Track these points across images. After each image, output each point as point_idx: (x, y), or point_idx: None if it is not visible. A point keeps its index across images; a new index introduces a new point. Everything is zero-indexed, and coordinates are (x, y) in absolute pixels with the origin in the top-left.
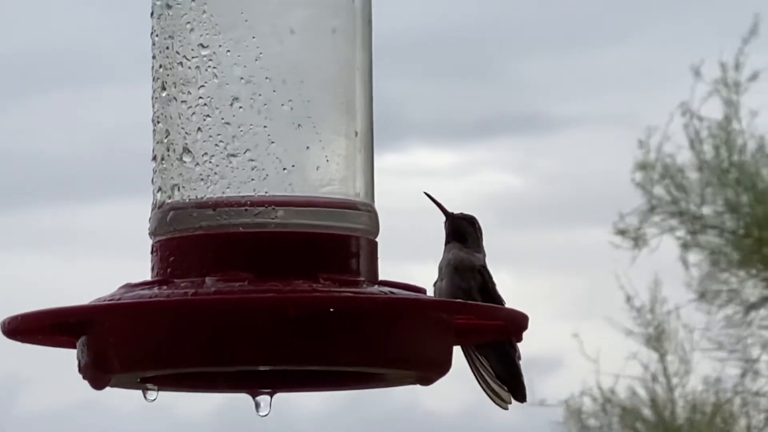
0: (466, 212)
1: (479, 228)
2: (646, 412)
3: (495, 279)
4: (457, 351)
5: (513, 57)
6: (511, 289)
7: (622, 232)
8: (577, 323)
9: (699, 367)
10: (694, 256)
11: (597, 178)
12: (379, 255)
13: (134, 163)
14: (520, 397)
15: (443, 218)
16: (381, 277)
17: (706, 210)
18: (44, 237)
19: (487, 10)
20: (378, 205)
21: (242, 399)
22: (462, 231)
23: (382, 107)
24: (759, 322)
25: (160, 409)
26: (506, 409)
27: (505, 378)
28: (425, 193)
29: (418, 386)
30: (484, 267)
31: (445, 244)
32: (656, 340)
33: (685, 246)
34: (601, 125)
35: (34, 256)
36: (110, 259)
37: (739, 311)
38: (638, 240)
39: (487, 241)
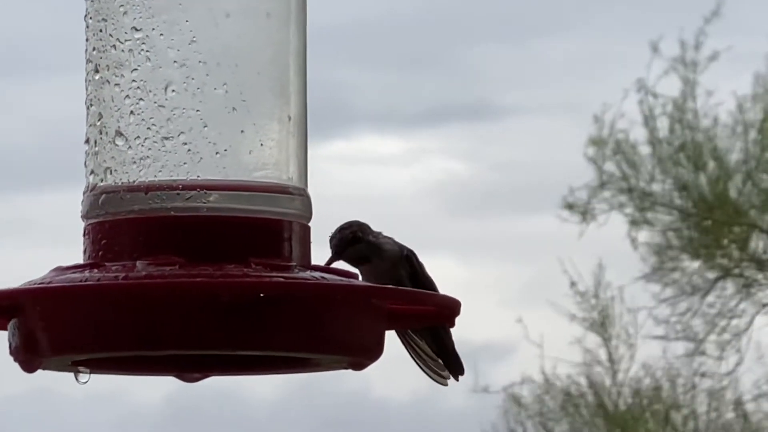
0: (333, 235)
1: (361, 232)
2: (590, 396)
3: (430, 267)
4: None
5: (461, 45)
6: (459, 275)
7: (570, 206)
8: (523, 309)
9: (643, 351)
10: (642, 234)
11: (544, 165)
12: (315, 240)
13: (71, 150)
14: (458, 372)
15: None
16: (320, 263)
17: (656, 187)
18: None
19: None
20: (327, 191)
21: (194, 386)
22: (358, 256)
23: (332, 95)
24: (708, 304)
25: (112, 396)
26: (445, 385)
27: (440, 355)
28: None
29: (370, 373)
30: (411, 253)
31: (359, 268)
32: (600, 325)
33: (634, 223)
34: (548, 113)
35: None
36: (49, 245)
37: (687, 289)
38: (586, 214)
39: (434, 227)
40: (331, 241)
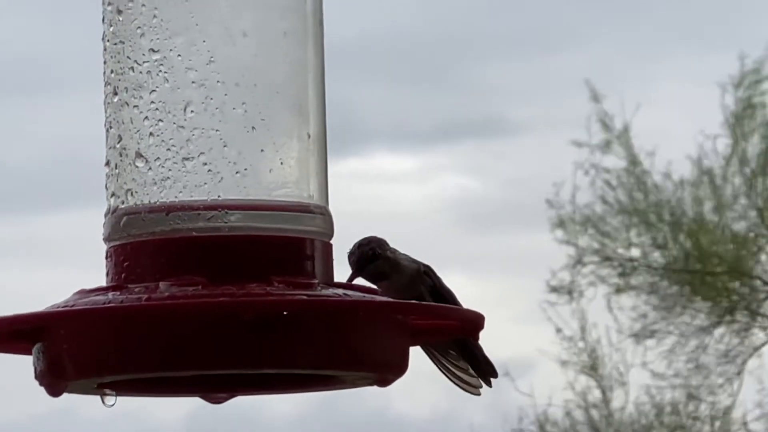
0: (353, 251)
1: (380, 248)
2: None
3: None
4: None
5: (472, 62)
6: (471, 292)
7: (555, 290)
8: (534, 327)
9: (637, 387)
10: (628, 299)
11: (557, 181)
12: (334, 257)
13: (91, 170)
14: (491, 375)
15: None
16: (340, 280)
17: (635, 251)
18: (2, 246)
19: (446, 16)
20: (341, 208)
21: (214, 405)
22: (377, 274)
23: (345, 113)
24: (699, 351)
25: (131, 415)
26: (478, 394)
27: (470, 362)
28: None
29: (390, 389)
30: (429, 268)
31: (378, 285)
32: (590, 367)
33: (619, 290)
34: (560, 129)
35: None
36: (70, 266)
37: (680, 342)
38: (572, 293)
39: (446, 243)
40: (350, 257)
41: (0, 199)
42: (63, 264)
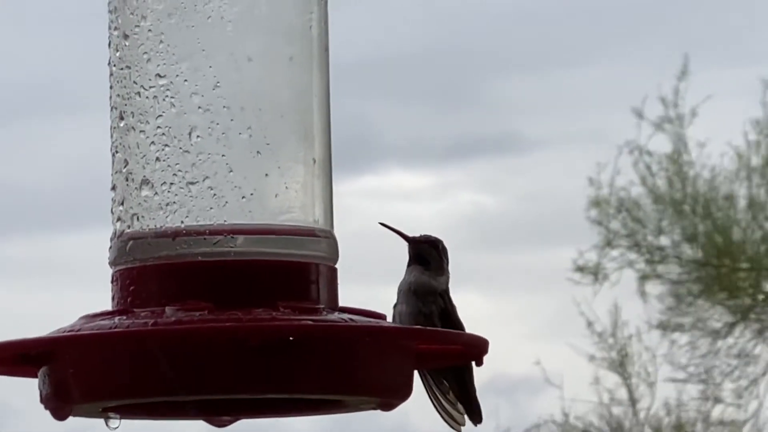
0: (431, 234)
1: (443, 250)
2: None
3: (457, 303)
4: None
5: (487, 78)
6: (487, 309)
7: (581, 269)
8: (551, 344)
9: (662, 391)
10: (653, 287)
11: (571, 197)
12: (339, 280)
13: (98, 193)
14: (476, 418)
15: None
16: (355, 300)
17: (664, 240)
18: (10, 267)
19: (461, 32)
20: (355, 226)
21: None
22: (424, 255)
23: (360, 130)
24: (724, 350)
25: None
26: (459, 431)
27: (462, 399)
28: (381, 223)
29: (408, 405)
30: (446, 292)
31: (407, 266)
32: (619, 365)
33: (644, 278)
34: (575, 144)
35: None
36: (76, 289)
37: (703, 340)
38: (598, 275)
39: (462, 261)
40: (418, 237)
41: (9, 219)
42: (70, 286)
